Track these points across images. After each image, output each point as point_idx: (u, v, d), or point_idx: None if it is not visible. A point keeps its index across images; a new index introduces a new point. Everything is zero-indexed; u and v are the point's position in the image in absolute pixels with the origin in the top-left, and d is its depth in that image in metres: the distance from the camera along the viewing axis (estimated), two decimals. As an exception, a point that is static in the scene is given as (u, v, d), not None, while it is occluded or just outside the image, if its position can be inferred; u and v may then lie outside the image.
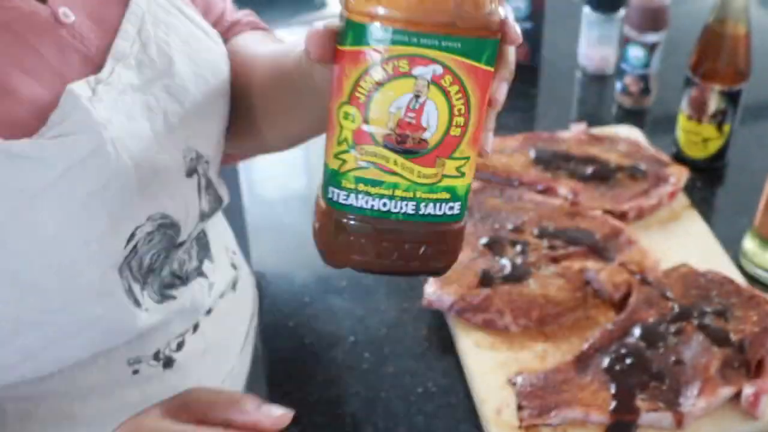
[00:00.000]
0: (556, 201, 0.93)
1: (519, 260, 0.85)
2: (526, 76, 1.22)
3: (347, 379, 0.78)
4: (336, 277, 0.89)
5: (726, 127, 0.97)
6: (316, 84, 0.54)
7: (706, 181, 1.01)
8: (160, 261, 0.60)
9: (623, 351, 0.75)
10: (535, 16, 1.19)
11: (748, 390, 0.71)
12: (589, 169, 0.97)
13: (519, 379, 0.74)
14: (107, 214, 0.54)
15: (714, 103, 0.95)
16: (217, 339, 0.71)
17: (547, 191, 0.95)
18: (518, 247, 0.86)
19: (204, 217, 0.64)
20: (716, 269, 0.83)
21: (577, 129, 1.05)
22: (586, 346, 0.76)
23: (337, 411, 0.76)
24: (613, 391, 0.72)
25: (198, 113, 0.61)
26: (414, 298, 0.86)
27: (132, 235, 0.56)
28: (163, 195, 0.59)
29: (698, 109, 0.97)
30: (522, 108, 1.16)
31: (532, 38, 1.21)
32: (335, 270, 0.91)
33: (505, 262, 0.84)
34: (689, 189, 0.99)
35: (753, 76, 0.95)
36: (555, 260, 0.85)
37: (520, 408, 0.72)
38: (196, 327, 0.67)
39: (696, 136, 0.99)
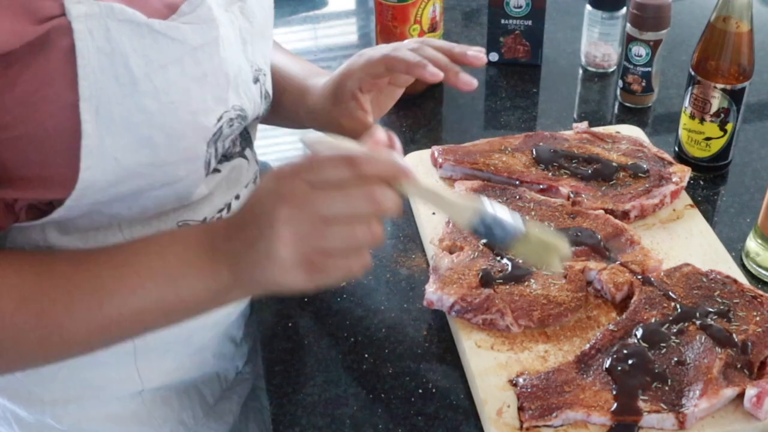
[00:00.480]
0: (558, 200, 0.92)
1: (519, 260, 0.84)
2: (528, 74, 1.22)
3: (347, 380, 0.78)
4: (336, 277, 0.89)
5: (729, 126, 0.97)
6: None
7: (709, 181, 1.01)
8: (230, 146, 0.73)
9: (625, 352, 0.75)
10: (536, 14, 1.18)
11: (751, 391, 0.70)
12: (591, 169, 0.96)
13: (520, 380, 0.74)
14: (210, 93, 0.66)
15: (716, 102, 0.95)
16: None
17: (549, 190, 0.94)
18: (519, 247, 0.86)
19: (258, 118, 0.79)
20: (719, 269, 0.83)
21: (579, 128, 1.04)
22: (587, 346, 0.76)
23: (337, 412, 0.75)
24: (615, 392, 0.72)
25: (260, 33, 0.75)
26: (414, 298, 0.86)
27: (220, 117, 0.68)
28: (242, 92, 0.71)
29: (701, 108, 0.96)
30: (523, 106, 1.16)
31: (534, 36, 1.20)
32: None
33: (506, 262, 0.84)
34: (692, 188, 0.98)
35: (756, 74, 0.95)
36: (556, 260, 0.85)
37: (521, 409, 0.72)
38: (230, 207, 0.77)
39: (698, 135, 0.98)
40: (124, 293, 0.61)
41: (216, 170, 0.72)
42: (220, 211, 0.76)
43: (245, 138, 0.76)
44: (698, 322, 0.77)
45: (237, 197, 0.78)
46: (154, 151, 0.63)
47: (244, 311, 0.89)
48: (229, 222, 0.63)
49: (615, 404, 0.71)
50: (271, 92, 0.80)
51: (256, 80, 0.75)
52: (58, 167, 0.61)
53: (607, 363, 0.74)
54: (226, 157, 0.73)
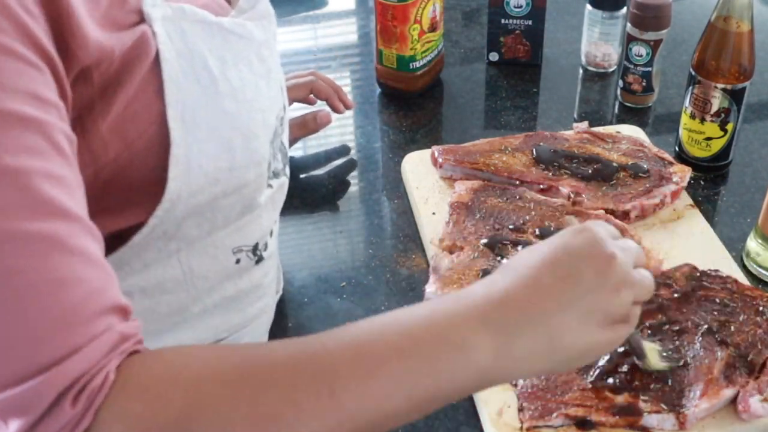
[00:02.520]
0: (558, 200, 0.92)
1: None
2: (528, 74, 1.22)
3: (347, 380, 0.78)
4: (335, 278, 0.89)
5: (729, 126, 0.96)
6: None
7: (709, 180, 1.01)
8: (274, 161, 0.70)
9: (625, 352, 0.74)
10: (536, 13, 1.18)
11: (738, 397, 0.71)
12: (591, 169, 0.96)
13: (520, 380, 0.73)
14: (273, 90, 0.66)
15: (717, 102, 0.95)
16: (273, 251, 0.76)
17: (549, 190, 0.94)
18: (519, 247, 0.86)
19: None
20: (719, 269, 0.83)
21: (579, 128, 1.04)
22: (587, 346, 0.76)
23: (337, 412, 0.75)
24: (615, 392, 0.71)
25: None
26: (414, 298, 0.86)
27: (277, 115, 0.68)
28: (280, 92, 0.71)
29: (701, 108, 0.96)
30: (523, 106, 1.16)
31: (534, 36, 1.20)
32: (334, 270, 0.92)
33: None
34: (692, 188, 0.98)
35: (756, 74, 0.95)
36: (556, 260, 0.84)
37: (521, 409, 0.71)
38: (271, 231, 0.74)
39: (699, 135, 0.98)
40: (363, 376, 0.50)
41: (269, 185, 0.70)
42: (267, 233, 0.73)
43: (285, 155, 0.75)
44: (699, 322, 0.77)
45: (275, 221, 0.76)
46: (232, 155, 0.61)
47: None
48: (502, 276, 0.55)
49: (615, 404, 0.70)
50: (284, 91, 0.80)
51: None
52: (143, 188, 0.58)
53: (608, 363, 0.74)
54: (275, 174, 0.71)
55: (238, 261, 0.70)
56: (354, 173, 1.06)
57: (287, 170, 0.75)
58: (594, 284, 0.54)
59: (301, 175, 1.06)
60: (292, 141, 1.04)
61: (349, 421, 0.49)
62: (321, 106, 1.05)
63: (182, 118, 0.57)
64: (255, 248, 0.71)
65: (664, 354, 0.73)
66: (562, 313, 0.53)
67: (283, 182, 0.74)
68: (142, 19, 0.56)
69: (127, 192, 0.58)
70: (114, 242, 0.60)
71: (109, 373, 0.47)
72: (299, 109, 1.05)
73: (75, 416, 0.46)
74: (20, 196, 0.45)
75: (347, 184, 1.04)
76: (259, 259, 0.72)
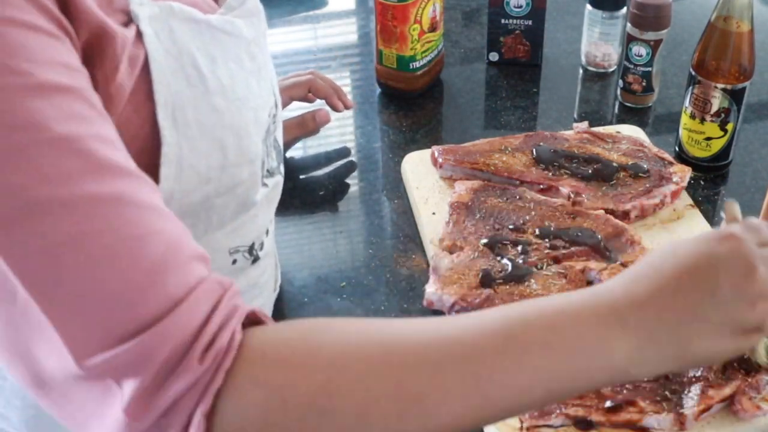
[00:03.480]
0: (558, 200, 0.92)
1: (520, 260, 0.84)
2: (528, 74, 1.22)
3: (347, 380, 0.78)
4: (335, 278, 0.89)
5: (729, 126, 0.96)
6: None
7: (709, 181, 1.01)
8: (268, 160, 0.70)
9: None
10: (536, 13, 1.18)
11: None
12: (591, 169, 0.96)
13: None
14: (264, 87, 0.66)
15: (717, 102, 0.95)
16: (269, 250, 0.76)
17: (549, 190, 0.94)
18: (519, 247, 0.86)
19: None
20: (719, 269, 0.83)
21: (579, 128, 1.04)
22: (587, 347, 0.76)
23: (337, 412, 0.75)
24: (615, 392, 0.71)
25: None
26: (414, 298, 0.86)
27: (269, 112, 0.68)
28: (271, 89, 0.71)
29: (701, 108, 0.96)
30: (523, 106, 1.16)
31: (534, 36, 1.20)
32: (334, 270, 0.92)
33: (506, 262, 0.84)
34: (692, 188, 0.98)
35: (756, 74, 0.95)
36: (556, 260, 0.84)
37: (521, 409, 0.71)
38: (267, 230, 0.74)
39: (699, 135, 0.98)
40: (508, 369, 0.50)
41: (264, 184, 0.70)
42: (263, 232, 0.73)
43: (279, 153, 0.75)
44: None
45: (270, 220, 0.76)
46: (225, 153, 0.61)
47: None
48: (644, 276, 0.55)
49: (615, 404, 0.70)
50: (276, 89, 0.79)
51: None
52: None
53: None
54: (269, 173, 0.71)
55: (234, 261, 0.70)
56: (354, 173, 1.06)
57: (282, 168, 0.75)
58: (731, 296, 0.54)
59: (301, 176, 1.06)
60: (292, 140, 1.04)
61: (489, 407, 0.50)
62: (320, 105, 1.05)
63: (173, 117, 0.57)
64: (251, 248, 0.71)
65: None
66: (697, 323, 0.53)
67: (278, 181, 0.74)
68: (129, 19, 0.55)
69: None
70: None
71: (235, 333, 0.47)
72: (298, 109, 1.05)
73: (205, 373, 0.45)
74: (80, 161, 0.46)
75: (347, 185, 1.04)
76: (256, 259, 0.72)
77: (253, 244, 0.71)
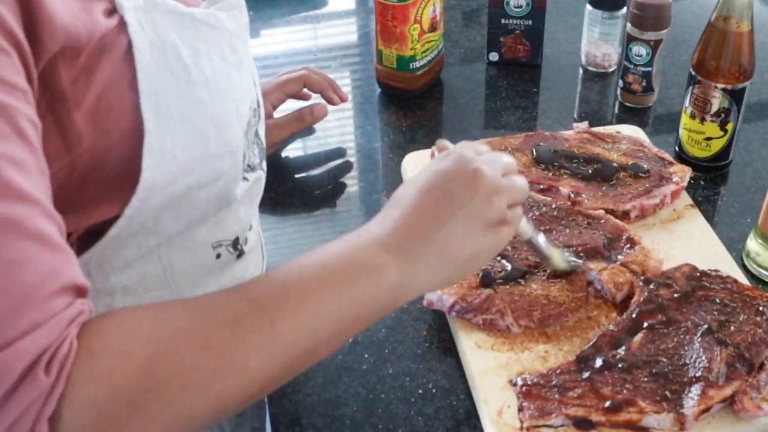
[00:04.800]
0: (558, 200, 0.92)
1: (520, 260, 0.84)
2: (528, 74, 1.22)
3: (347, 380, 0.78)
4: (336, 277, 0.89)
5: (729, 126, 0.96)
6: None
7: (709, 181, 1.01)
8: (251, 155, 0.71)
9: (625, 352, 0.74)
10: (536, 13, 1.18)
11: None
12: (591, 169, 0.96)
13: (520, 380, 0.73)
14: (246, 80, 0.67)
15: (717, 102, 0.95)
16: (254, 245, 0.78)
17: (549, 190, 0.94)
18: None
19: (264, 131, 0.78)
20: (719, 269, 0.83)
21: (579, 128, 1.04)
22: (587, 346, 0.76)
23: (337, 412, 0.75)
24: (615, 392, 0.71)
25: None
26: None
27: (251, 105, 0.68)
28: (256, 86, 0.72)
29: (701, 108, 0.96)
30: (523, 106, 1.16)
31: (534, 36, 1.20)
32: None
33: (506, 263, 0.84)
34: (692, 188, 0.98)
35: (756, 74, 0.95)
36: (556, 260, 0.85)
37: (521, 409, 0.71)
38: (250, 226, 0.75)
39: (699, 135, 0.98)
40: (295, 306, 0.56)
41: (245, 178, 0.71)
42: (246, 227, 0.74)
43: (261, 149, 0.75)
44: (698, 322, 0.77)
45: (254, 214, 0.77)
46: (206, 144, 0.62)
47: None
48: (393, 208, 0.63)
49: (615, 405, 0.70)
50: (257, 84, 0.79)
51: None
52: (118, 179, 0.59)
53: (607, 363, 0.74)
54: (251, 167, 0.72)
55: (218, 256, 0.70)
56: (354, 173, 1.06)
57: (264, 165, 0.76)
58: (466, 197, 0.63)
59: (301, 176, 1.06)
60: (289, 136, 1.05)
61: (290, 348, 0.56)
62: (316, 99, 1.06)
63: (156, 107, 0.58)
64: (235, 243, 0.72)
65: (570, 259, 0.82)
66: (445, 228, 0.62)
67: (260, 176, 0.74)
68: (114, 8, 0.56)
69: (103, 183, 0.59)
70: (93, 238, 0.61)
71: (72, 341, 0.49)
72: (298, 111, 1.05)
73: (49, 383, 0.48)
74: None
75: (347, 184, 1.04)
76: (240, 254, 0.73)
77: (237, 238, 0.72)
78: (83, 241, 0.61)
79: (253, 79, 0.71)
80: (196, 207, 0.65)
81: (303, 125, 1.04)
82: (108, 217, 0.60)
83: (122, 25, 0.56)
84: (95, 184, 0.58)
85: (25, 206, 0.48)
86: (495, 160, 0.66)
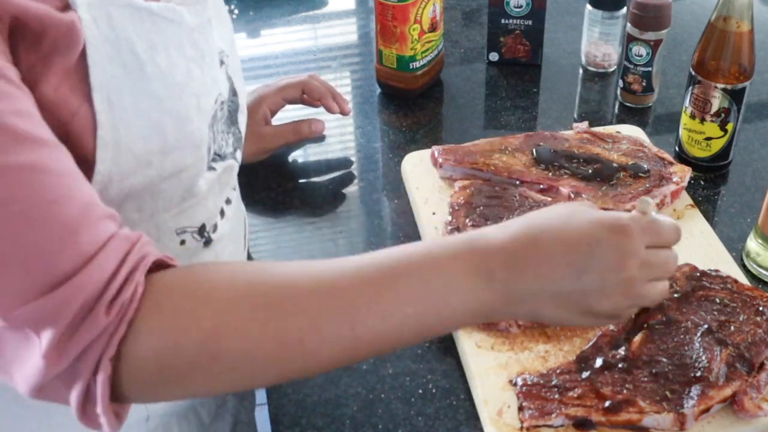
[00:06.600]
0: (558, 200, 0.92)
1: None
2: (528, 74, 1.22)
3: (347, 380, 0.78)
4: (336, 277, 0.89)
5: (729, 126, 0.96)
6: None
7: (710, 180, 1.01)
8: (224, 145, 0.72)
9: (625, 352, 0.74)
10: (536, 13, 1.18)
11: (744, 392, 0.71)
12: (591, 169, 0.96)
13: (520, 380, 0.73)
14: (208, 74, 0.66)
15: (717, 102, 0.95)
16: (230, 231, 0.78)
17: (549, 190, 0.94)
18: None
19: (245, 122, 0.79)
20: (719, 269, 0.83)
21: (579, 128, 1.04)
22: (587, 346, 0.76)
23: (337, 412, 0.75)
24: (615, 392, 0.71)
25: (216, 16, 0.71)
26: (414, 298, 0.85)
27: (216, 99, 0.68)
28: (226, 77, 0.72)
29: (701, 108, 0.96)
30: (523, 106, 1.16)
31: (534, 36, 1.20)
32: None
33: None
34: (692, 188, 0.98)
35: (756, 74, 0.95)
36: (556, 260, 0.84)
37: (521, 409, 0.71)
38: (222, 213, 0.75)
39: (699, 135, 0.98)
40: (380, 315, 0.56)
41: (212, 168, 0.72)
42: (215, 214, 0.74)
43: (237, 139, 0.76)
44: (698, 322, 0.77)
45: (228, 201, 0.76)
46: (164, 137, 0.62)
47: None
48: (507, 246, 0.58)
49: (615, 405, 0.70)
50: (234, 77, 0.78)
51: (222, 62, 0.74)
52: (80, 167, 0.59)
53: (607, 363, 0.74)
54: (220, 157, 0.73)
55: (182, 242, 0.71)
56: (354, 173, 1.06)
57: (238, 155, 0.76)
58: (595, 284, 0.58)
59: (301, 177, 1.06)
60: (284, 145, 1.04)
61: (362, 348, 0.57)
62: (318, 112, 1.05)
63: (108, 101, 0.58)
64: (201, 230, 0.72)
65: None
66: (555, 296, 0.58)
67: (231, 164, 0.74)
68: (67, 4, 0.56)
69: None
70: None
71: (138, 285, 0.52)
72: (299, 110, 1.05)
73: (110, 324, 0.51)
74: None
75: (347, 184, 1.04)
76: (208, 241, 0.73)
77: (203, 225, 0.72)
78: None
79: (224, 72, 0.71)
80: (158, 198, 0.66)
81: (299, 137, 1.04)
82: None
83: (77, 20, 0.56)
84: None
85: (48, 149, 0.52)
86: (656, 264, 0.61)
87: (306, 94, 1.04)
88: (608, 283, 0.58)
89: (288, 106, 1.05)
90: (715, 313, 0.78)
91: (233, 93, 0.74)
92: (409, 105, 1.16)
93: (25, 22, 0.53)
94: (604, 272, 0.58)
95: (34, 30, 0.53)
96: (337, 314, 0.55)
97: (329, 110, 1.05)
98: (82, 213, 0.52)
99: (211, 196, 0.72)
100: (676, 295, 0.79)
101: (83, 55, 0.57)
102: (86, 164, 0.59)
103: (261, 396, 0.97)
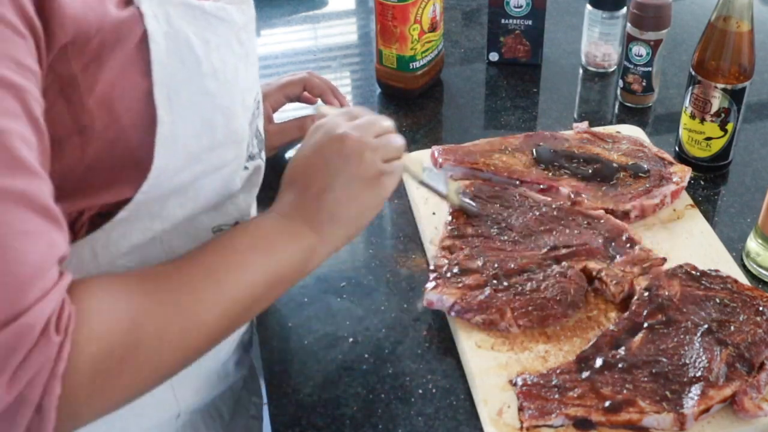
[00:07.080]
0: (558, 200, 0.92)
1: (520, 260, 0.84)
2: (528, 74, 1.22)
3: (347, 380, 0.78)
4: (335, 278, 0.89)
5: (729, 126, 0.96)
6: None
7: (709, 180, 1.01)
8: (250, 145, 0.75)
9: (625, 352, 0.74)
10: (536, 13, 1.18)
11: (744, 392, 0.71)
12: (591, 169, 0.96)
13: (520, 380, 0.73)
14: (251, 72, 0.70)
15: (717, 102, 0.95)
16: None
17: (549, 190, 0.94)
18: (519, 247, 0.86)
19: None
20: (719, 269, 0.83)
21: (579, 128, 1.04)
22: (587, 346, 0.76)
23: (337, 412, 0.75)
24: (615, 392, 0.71)
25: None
26: (414, 298, 0.86)
27: (255, 97, 0.72)
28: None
29: (701, 108, 0.96)
30: (523, 106, 1.16)
31: (534, 36, 1.20)
32: (334, 270, 0.92)
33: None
34: (692, 188, 0.98)
35: (756, 74, 0.95)
36: (557, 260, 0.84)
37: (521, 409, 0.71)
38: (251, 212, 0.79)
39: (699, 135, 0.98)
40: (234, 269, 0.65)
41: (245, 167, 0.73)
42: (246, 210, 0.76)
43: (260, 141, 0.77)
44: (698, 322, 0.77)
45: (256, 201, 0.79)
46: (214, 134, 0.64)
47: None
48: (288, 189, 0.71)
49: (615, 405, 0.70)
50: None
51: None
52: (129, 164, 0.61)
53: (607, 363, 0.74)
54: (250, 157, 0.75)
55: None
56: (354, 173, 1.06)
57: (263, 155, 0.78)
58: (338, 164, 0.70)
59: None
60: (288, 142, 1.04)
61: (234, 305, 0.64)
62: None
63: (168, 97, 0.59)
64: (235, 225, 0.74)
65: (464, 200, 0.90)
66: (330, 196, 0.70)
67: (259, 164, 0.77)
68: (129, 1, 0.57)
69: (115, 167, 0.60)
70: (102, 220, 0.63)
71: (68, 304, 0.53)
72: (299, 110, 1.05)
73: (59, 342, 0.52)
74: (1, 154, 0.49)
75: (347, 184, 1.04)
76: None
77: (236, 223, 0.74)
78: (93, 221, 0.64)
79: (257, 71, 0.73)
80: (200, 194, 0.68)
81: (303, 134, 1.03)
82: (120, 199, 0.63)
83: (137, 15, 0.57)
84: (106, 167, 0.60)
85: (38, 181, 0.52)
86: (365, 124, 0.73)
87: (307, 91, 1.05)
88: (344, 151, 0.71)
89: (286, 105, 1.05)
90: (716, 313, 0.78)
91: (259, 93, 0.75)
92: (409, 105, 1.16)
93: (81, 34, 0.54)
94: (334, 149, 0.71)
95: (86, 35, 0.54)
96: (207, 278, 0.63)
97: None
98: (49, 252, 0.52)
99: (243, 194, 0.74)
100: (675, 296, 0.79)
101: (144, 50, 0.58)
102: (141, 158, 0.60)
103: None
